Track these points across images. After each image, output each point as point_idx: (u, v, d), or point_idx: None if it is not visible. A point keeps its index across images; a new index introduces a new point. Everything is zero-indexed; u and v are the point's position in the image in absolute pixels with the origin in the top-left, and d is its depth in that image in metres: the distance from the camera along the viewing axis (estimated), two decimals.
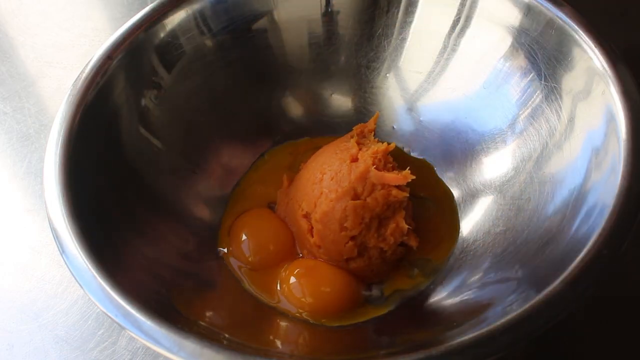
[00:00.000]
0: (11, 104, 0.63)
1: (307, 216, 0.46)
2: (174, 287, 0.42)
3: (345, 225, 0.44)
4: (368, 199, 0.44)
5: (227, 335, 0.37)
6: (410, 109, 0.53)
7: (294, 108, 0.52)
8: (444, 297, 0.44)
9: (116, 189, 0.43)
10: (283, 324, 0.44)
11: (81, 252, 0.36)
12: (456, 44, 0.50)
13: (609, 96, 0.40)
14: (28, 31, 0.70)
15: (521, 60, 0.46)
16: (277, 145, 0.54)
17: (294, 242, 0.48)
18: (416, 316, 0.44)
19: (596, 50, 0.42)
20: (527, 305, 0.33)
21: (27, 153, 0.59)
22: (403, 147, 0.53)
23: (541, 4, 0.45)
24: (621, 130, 0.38)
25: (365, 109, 0.54)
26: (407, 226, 0.44)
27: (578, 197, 0.39)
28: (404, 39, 0.52)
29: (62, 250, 0.37)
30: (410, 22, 0.51)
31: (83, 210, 0.39)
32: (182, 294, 0.42)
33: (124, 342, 0.47)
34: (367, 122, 0.50)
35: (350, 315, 0.45)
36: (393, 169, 0.46)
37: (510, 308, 0.33)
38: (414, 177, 0.44)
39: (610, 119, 0.39)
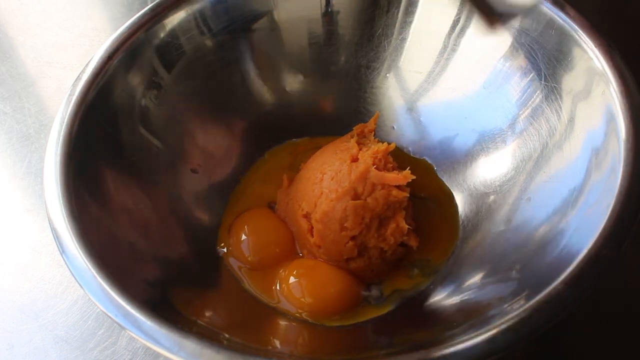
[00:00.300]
0: (11, 104, 0.63)
1: (307, 216, 0.46)
2: (174, 286, 0.42)
3: (345, 225, 0.44)
4: (368, 199, 0.44)
5: (227, 335, 0.37)
6: (410, 109, 0.53)
7: (294, 108, 0.52)
8: (443, 297, 0.44)
9: (116, 188, 0.43)
10: (283, 324, 0.44)
11: (81, 252, 0.36)
12: (456, 44, 0.50)
13: (609, 96, 0.40)
14: (28, 31, 0.70)
15: (521, 60, 0.46)
16: (277, 145, 0.54)
17: (294, 242, 0.48)
18: (416, 316, 0.44)
19: (596, 50, 0.42)
20: (527, 305, 0.33)
21: (27, 153, 0.59)
22: (403, 147, 0.53)
23: (541, 4, 0.45)
24: (621, 130, 0.38)
25: (365, 109, 0.54)
26: (407, 226, 0.45)
27: (578, 197, 0.39)
28: (404, 39, 0.52)
29: (62, 250, 0.37)
30: (410, 22, 0.51)
31: (83, 211, 0.39)
32: (182, 294, 0.42)
33: (124, 342, 0.47)
34: (367, 122, 0.50)
35: (349, 315, 0.45)
36: (393, 169, 0.46)
37: (510, 308, 0.33)
38: (414, 177, 0.44)
39: (610, 119, 0.39)
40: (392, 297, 0.45)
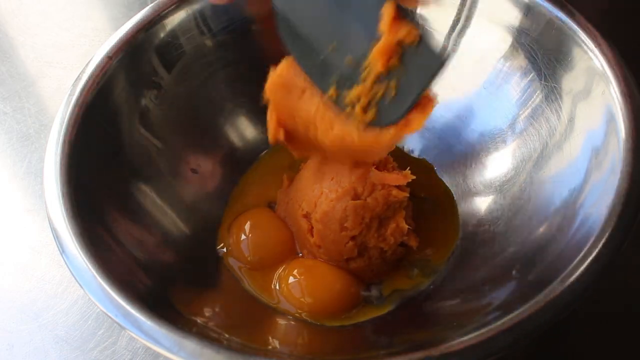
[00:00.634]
0: (11, 104, 0.63)
1: (307, 216, 0.46)
2: (174, 286, 0.42)
3: (345, 225, 0.44)
4: (368, 199, 0.44)
5: (227, 335, 0.37)
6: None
7: None
8: (443, 297, 0.44)
9: (116, 188, 0.44)
10: (282, 323, 0.44)
11: (81, 252, 0.36)
12: (456, 44, 0.50)
13: (609, 96, 0.40)
14: (28, 31, 0.70)
15: (521, 60, 0.46)
16: (277, 145, 0.54)
17: (294, 242, 0.48)
18: (416, 316, 0.44)
19: (596, 51, 0.42)
20: (527, 305, 0.33)
21: (27, 153, 0.59)
22: (403, 147, 0.53)
23: (541, 4, 0.45)
24: (621, 130, 0.38)
25: None
26: (407, 226, 0.45)
27: (578, 197, 0.40)
28: None
29: (62, 250, 0.37)
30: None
31: (83, 210, 0.39)
32: (182, 294, 0.42)
33: (124, 342, 0.47)
34: None
35: (349, 315, 0.45)
36: (393, 169, 0.46)
37: (510, 308, 0.33)
38: (414, 177, 0.44)
39: (610, 119, 0.40)
40: (392, 297, 0.45)
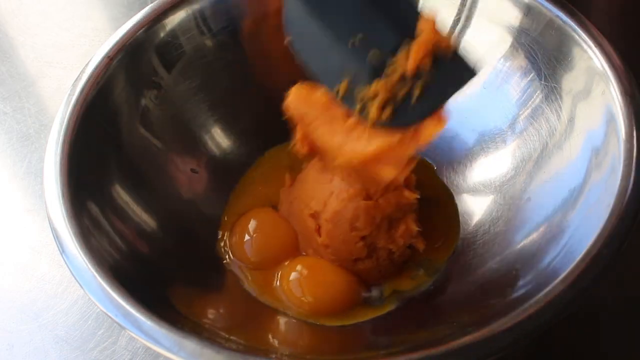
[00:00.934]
0: (11, 104, 0.63)
1: (315, 215, 0.46)
2: (174, 287, 0.42)
3: (356, 225, 0.44)
4: (380, 200, 0.44)
5: (227, 336, 0.37)
6: None
7: None
8: (443, 297, 0.44)
9: (116, 188, 0.43)
10: (283, 323, 0.44)
11: (81, 252, 0.36)
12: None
13: (609, 96, 0.40)
14: (28, 31, 0.70)
15: (521, 60, 0.46)
16: (277, 145, 0.54)
17: (298, 242, 0.48)
18: (416, 316, 0.44)
19: (596, 50, 0.42)
20: (527, 305, 0.33)
21: (27, 153, 0.59)
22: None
23: (541, 4, 0.45)
24: (621, 130, 0.38)
25: None
26: (417, 228, 0.45)
27: (578, 197, 0.40)
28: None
29: (62, 250, 0.37)
30: None
31: (83, 210, 0.39)
32: (182, 294, 0.42)
33: (124, 342, 0.47)
34: None
35: (349, 315, 0.44)
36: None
37: (510, 308, 0.33)
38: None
39: (610, 119, 0.40)
40: (392, 297, 0.45)
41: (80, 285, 0.36)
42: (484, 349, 0.32)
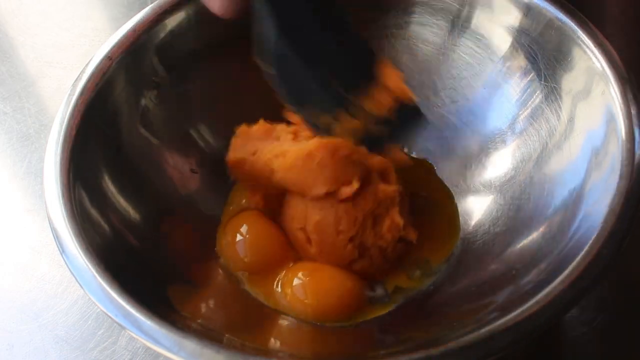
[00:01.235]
0: (11, 104, 0.63)
1: (302, 229, 0.45)
2: (174, 286, 0.42)
3: (340, 228, 0.44)
4: (357, 199, 0.44)
5: (227, 335, 0.37)
6: None
7: None
8: (443, 297, 0.44)
9: (115, 188, 0.44)
10: (284, 324, 0.44)
11: (81, 252, 0.36)
12: (456, 44, 0.50)
13: (609, 96, 0.40)
14: (28, 31, 0.70)
15: (521, 60, 0.46)
16: None
17: (289, 246, 0.48)
18: (416, 316, 0.44)
19: (596, 51, 0.42)
20: (527, 305, 0.33)
21: (27, 153, 0.59)
22: (403, 148, 0.53)
23: (541, 4, 0.45)
24: (621, 130, 0.38)
25: None
26: (402, 220, 0.44)
27: (578, 197, 0.40)
28: (403, 39, 0.52)
29: (62, 250, 0.37)
30: (410, 22, 0.51)
31: (83, 210, 0.39)
32: (182, 294, 0.42)
33: (124, 342, 0.47)
34: None
35: (353, 315, 0.44)
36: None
37: (510, 308, 0.33)
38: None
39: (610, 119, 0.40)
40: (395, 296, 0.45)
41: (80, 285, 0.36)
42: (484, 349, 0.32)
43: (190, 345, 0.32)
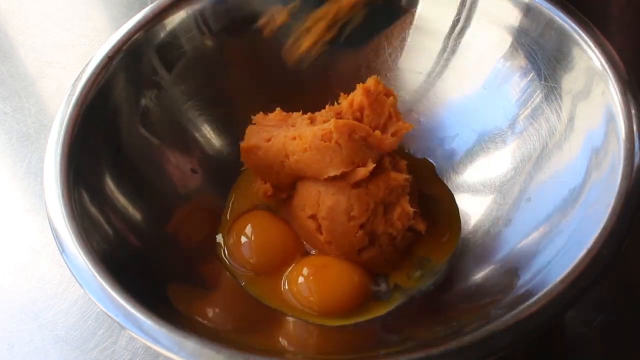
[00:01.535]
0: (11, 104, 0.63)
1: (313, 217, 0.46)
2: (175, 286, 0.42)
3: (352, 214, 0.44)
4: (369, 185, 0.44)
5: (228, 335, 0.37)
6: (410, 109, 0.53)
7: (293, 107, 0.52)
8: (443, 297, 0.44)
9: (116, 188, 0.44)
10: (287, 323, 0.44)
11: (81, 252, 0.36)
12: (456, 44, 0.50)
13: (609, 96, 0.40)
14: (28, 31, 0.70)
15: (521, 60, 0.46)
16: None
17: (300, 242, 0.48)
18: (416, 315, 0.44)
19: (596, 50, 0.42)
20: (526, 305, 0.33)
21: (27, 153, 0.59)
22: (403, 148, 0.53)
23: (541, 4, 0.45)
24: (621, 130, 0.38)
25: None
26: (412, 209, 0.44)
27: (578, 197, 0.40)
28: (403, 39, 0.52)
29: (62, 250, 0.37)
30: (410, 22, 0.51)
31: (83, 210, 0.39)
32: (182, 294, 0.42)
33: (124, 342, 0.47)
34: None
35: (362, 311, 0.44)
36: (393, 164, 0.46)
37: (510, 308, 0.33)
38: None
39: (610, 119, 0.40)
40: (395, 295, 0.45)
41: (81, 285, 0.36)
42: (484, 349, 0.32)
43: (190, 345, 0.32)
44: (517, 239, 0.43)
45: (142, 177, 0.46)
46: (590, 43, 0.42)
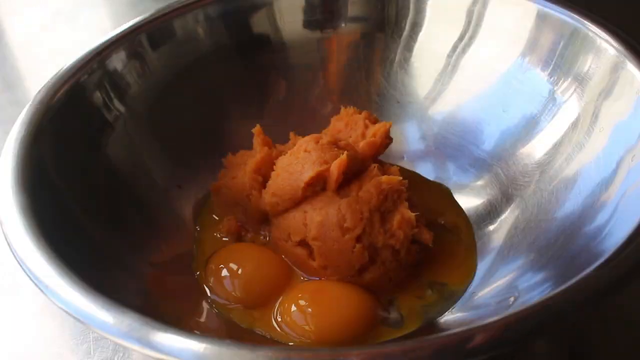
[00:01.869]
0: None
1: (302, 243, 0.43)
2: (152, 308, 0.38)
3: (345, 225, 0.40)
4: (360, 193, 0.41)
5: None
6: (423, 137, 0.52)
7: (291, 125, 0.51)
8: (462, 320, 0.40)
9: (97, 202, 0.42)
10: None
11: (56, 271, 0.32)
12: (464, 52, 0.50)
13: (633, 92, 0.40)
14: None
15: (541, 55, 0.46)
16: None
17: (289, 270, 0.44)
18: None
19: (614, 43, 0.42)
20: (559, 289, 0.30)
21: None
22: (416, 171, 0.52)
23: (555, 8, 0.46)
24: None
25: None
26: (413, 215, 0.41)
27: (605, 196, 0.38)
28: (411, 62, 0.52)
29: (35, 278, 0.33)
30: (418, 33, 0.52)
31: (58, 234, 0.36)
32: (171, 313, 0.39)
33: None
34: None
35: (363, 337, 0.40)
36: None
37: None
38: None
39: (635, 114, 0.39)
40: (411, 319, 0.41)
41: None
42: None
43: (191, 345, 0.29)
44: (542, 257, 0.40)
45: (127, 192, 0.45)
46: (610, 39, 0.43)
